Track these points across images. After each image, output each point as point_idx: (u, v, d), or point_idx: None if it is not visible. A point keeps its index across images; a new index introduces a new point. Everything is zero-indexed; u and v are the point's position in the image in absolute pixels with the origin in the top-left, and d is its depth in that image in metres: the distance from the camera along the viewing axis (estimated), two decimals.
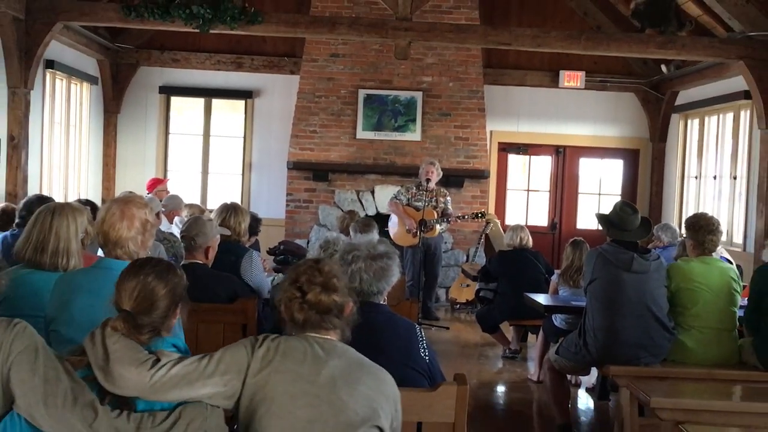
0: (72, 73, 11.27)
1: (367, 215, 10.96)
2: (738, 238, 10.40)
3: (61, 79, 11.16)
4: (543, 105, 12.82)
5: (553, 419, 5.94)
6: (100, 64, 12.32)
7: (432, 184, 9.97)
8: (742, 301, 5.77)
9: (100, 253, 3.75)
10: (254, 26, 9.47)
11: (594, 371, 6.59)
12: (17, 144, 9.25)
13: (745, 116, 10.48)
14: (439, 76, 12.02)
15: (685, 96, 12.22)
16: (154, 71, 12.76)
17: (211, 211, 6.74)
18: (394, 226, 10.19)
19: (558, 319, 7.10)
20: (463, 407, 3.13)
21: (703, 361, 5.49)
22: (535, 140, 12.93)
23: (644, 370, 5.34)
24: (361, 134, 11.93)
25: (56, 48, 10.35)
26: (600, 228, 6.07)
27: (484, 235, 11.72)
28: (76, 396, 2.47)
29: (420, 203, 9.93)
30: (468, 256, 11.74)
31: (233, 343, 2.70)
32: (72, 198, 11.03)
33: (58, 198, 9.83)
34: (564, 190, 13.11)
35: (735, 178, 10.67)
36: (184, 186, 12.23)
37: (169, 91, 12.83)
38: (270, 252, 8.22)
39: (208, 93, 12.85)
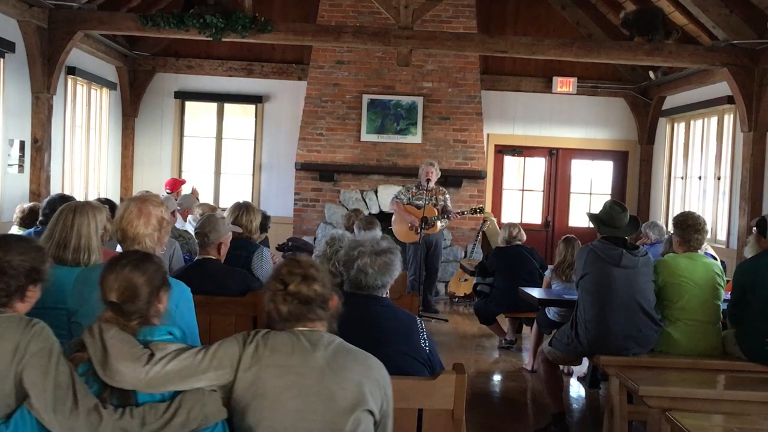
0: (92, 79, 11.28)
1: (370, 213, 10.98)
2: (722, 236, 10.40)
3: (82, 85, 11.18)
4: (537, 109, 12.82)
5: (547, 406, 5.94)
6: (118, 71, 12.34)
7: (432, 184, 9.98)
8: (725, 294, 5.75)
9: (118, 248, 3.75)
10: (264, 35, 9.47)
11: (585, 361, 6.58)
12: (41, 146, 9.26)
13: (728, 120, 10.46)
14: (438, 82, 12.02)
15: (671, 101, 12.20)
16: (170, 77, 12.77)
17: (223, 210, 6.74)
18: (396, 223, 10.21)
19: (551, 312, 7.10)
20: (462, 395, 3.13)
21: (689, 351, 5.49)
22: (530, 143, 12.93)
23: (633, 360, 5.35)
24: (365, 137, 11.94)
25: (77, 55, 10.36)
26: (591, 225, 6.06)
27: (481, 232, 11.74)
28: (80, 402, 2.45)
29: (420, 202, 9.94)
30: (466, 252, 11.73)
31: (226, 338, 2.68)
32: (92, 197, 11.06)
33: (79, 197, 9.85)
34: (557, 190, 13.10)
35: (719, 178, 10.65)
36: (197, 186, 12.22)
37: (184, 96, 12.84)
38: (279, 248, 8.21)
39: (221, 98, 12.85)
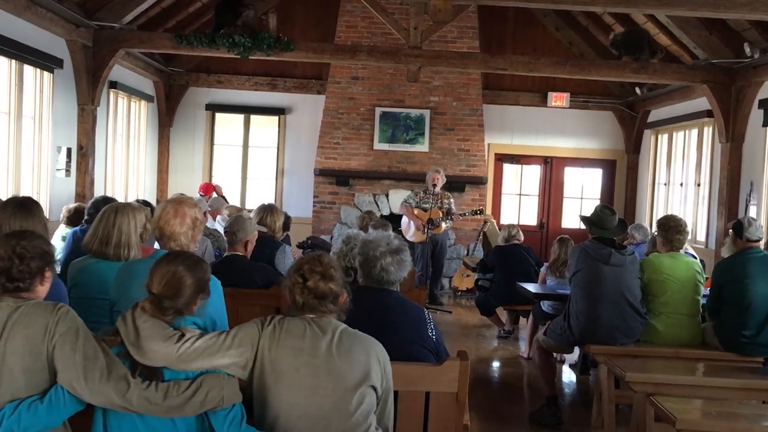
0: (132, 92, 11.31)
1: (382, 215, 10.99)
2: (701, 237, 10.35)
3: (123, 98, 11.21)
4: (533, 121, 12.78)
5: (541, 390, 5.92)
6: (155, 85, 12.38)
7: (437, 189, 9.97)
8: (704, 290, 5.73)
9: (156, 245, 3.76)
10: (287, 53, 9.50)
11: (576, 350, 6.56)
12: (85, 153, 9.30)
13: (707, 132, 10.42)
14: (444, 97, 12.00)
15: (656, 114, 12.16)
16: (202, 91, 12.79)
17: (249, 211, 6.75)
18: (405, 224, 10.20)
19: (545, 305, 7.07)
20: (465, 380, 3.12)
21: (671, 342, 5.47)
22: (527, 152, 12.90)
23: (620, 350, 5.33)
24: (378, 146, 11.93)
25: (119, 71, 10.39)
26: (583, 227, 6.04)
27: (482, 233, 11.72)
28: (111, 371, 2.47)
29: (427, 205, 9.92)
30: (468, 251, 11.72)
31: (247, 322, 2.71)
32: (131, 198, 11.08)
33: (120, 198, 9.88)
34: (551, 195, 13.06)
35: (699, 185, 10.61)
36: (226, 189, 12.27)
37: (214, 108, 12.86)
38: (299, 245, 8.23)
39: (247, 110, 12.86)
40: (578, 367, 7.16)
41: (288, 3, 12.10)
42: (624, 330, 5.40)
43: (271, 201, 10.96)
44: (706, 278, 5.96)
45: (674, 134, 11.66)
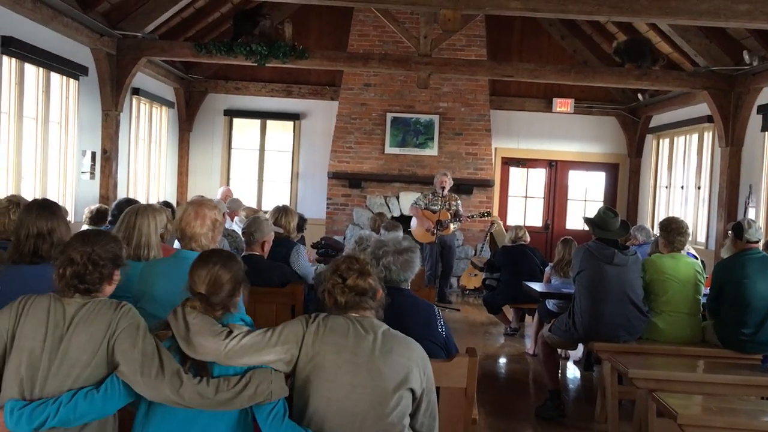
0: (153, 98, 11.36)
1: (393, 217, 10.99)
2: (701, 238, 10.29)
3: (145, 104, 11.26)
4: (539, 126, 12.75)
5: (546, 386, 5.91)
6: (176, 92, 12.42)
7: (446, 191, 9.96)
8: (705, 290, 5.71)
9: (177, 245, 3.77)
10: (302, 61, 9.52)
11: (580, 347, 6.55)
12: (109, 156, 9.34)
13: (707, 137, 10.36)
14: (453, 102, 11.99)
15: (657, 119, 12.10)
16: (220, 97, 12.83)
17: (265, 213, 6.76)
18: (415, 226, 10.19)
19: (551, 303, 7.05)
20: (474, 375, 3.12)
21: (672, 339, 5.45)
22: (532, 155, 12.87)
23: (623, 347, 5.31)
24: (389, 150, 11.93)
25: (141, 78, 10.44)
26: (586, 228, 6.03)
27: (489, 234, 11.70)
28: (165, 367, 2.50)
29: (436, 207, 9.91)
30: (476, 251, 11.70)
31: (292, 320, 2.73)
32: (153, 200, 11.12)
33: (142, 200, 9.92)
34: (556, 197, 13.03)
35: (699, 188, 10.55)
36: (243, 191, 12.29)
37: (232, 113, 12.89)
38: (314, 246, 8.24)
39: (263, 115, 12.89)
40: (582, 364, 7.14)
41: (303, 13, 12.11)
42: (627, 328, 5.38)
43: (286, 203, 10.97)
44: (706, 278, 5.93)
45: (675, 139, 11.60)
